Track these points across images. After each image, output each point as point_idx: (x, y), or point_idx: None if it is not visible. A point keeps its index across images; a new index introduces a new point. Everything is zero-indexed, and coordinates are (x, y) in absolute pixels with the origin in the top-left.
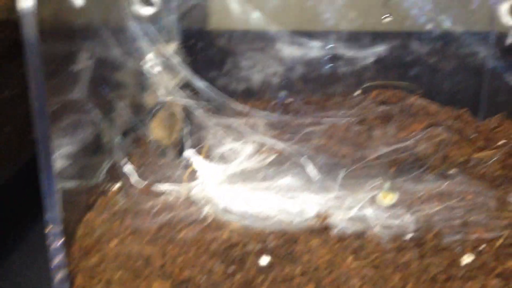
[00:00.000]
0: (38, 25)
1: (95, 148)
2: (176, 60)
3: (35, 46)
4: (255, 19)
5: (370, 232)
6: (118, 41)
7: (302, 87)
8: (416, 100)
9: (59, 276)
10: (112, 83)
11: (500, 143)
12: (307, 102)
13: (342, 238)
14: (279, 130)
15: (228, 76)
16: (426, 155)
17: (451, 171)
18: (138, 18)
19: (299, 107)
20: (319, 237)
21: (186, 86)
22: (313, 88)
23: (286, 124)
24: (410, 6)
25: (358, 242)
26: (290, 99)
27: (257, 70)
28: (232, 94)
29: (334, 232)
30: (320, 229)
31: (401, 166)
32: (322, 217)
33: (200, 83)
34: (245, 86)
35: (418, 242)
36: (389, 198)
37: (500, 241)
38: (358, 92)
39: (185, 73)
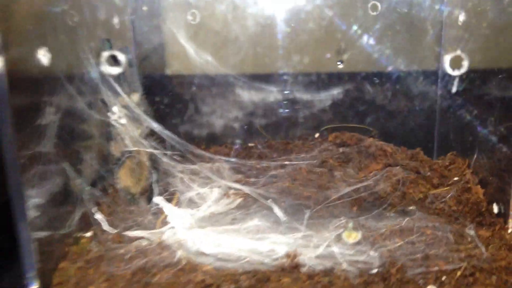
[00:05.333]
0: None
1: (65, 198)
2: (139, 110)
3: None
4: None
5: (338, 269)
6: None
7: (263, 131)
8: (372, 142)
9: None
10: (79, 135)
11: (454, 179)
12: (268, 146)
13: (311, 276)
14: (243, 174)
15: (190, 122)
16: (385, 194)
17: (410, 208)
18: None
19: (261, 151)
20: (289, 276)
21: (150, 135)
22: (274, 131)
23: (249, 168)
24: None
25: (327, 278)
26: (251, 144)
27: (217, 116)
28: (195, 140)
29: (304, 270)
30: (290, 268)
31: (362, 205)
32: (291, 256)
33: (163, 132)
34: (207, 131)
35: (383, 276)
36: (353, 237)
37: (459, 272)
38: (317, 135)
39: (148, 122)
